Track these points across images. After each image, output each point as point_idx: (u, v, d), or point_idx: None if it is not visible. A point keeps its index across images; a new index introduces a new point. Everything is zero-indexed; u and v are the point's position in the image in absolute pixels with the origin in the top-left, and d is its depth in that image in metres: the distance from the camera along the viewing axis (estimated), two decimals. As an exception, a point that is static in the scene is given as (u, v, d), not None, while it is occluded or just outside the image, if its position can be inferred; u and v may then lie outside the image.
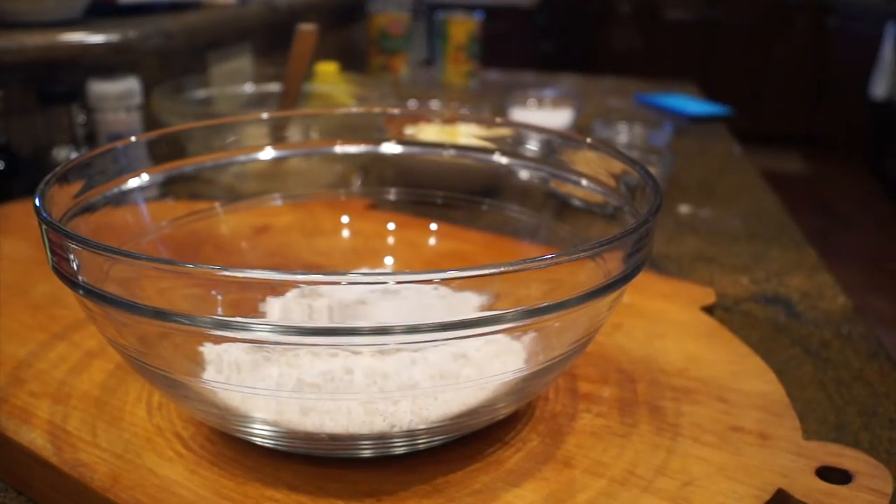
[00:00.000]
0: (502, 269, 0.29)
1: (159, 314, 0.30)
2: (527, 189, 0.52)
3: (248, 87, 0.98)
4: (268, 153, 0.55)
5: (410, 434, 0.35)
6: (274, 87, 0.95)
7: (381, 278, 0.29)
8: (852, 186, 3.22)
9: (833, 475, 0.35)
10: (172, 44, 0.94)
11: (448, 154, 0.55)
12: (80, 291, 0.32)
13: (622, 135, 1.00)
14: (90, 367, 0.44)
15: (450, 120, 0.56)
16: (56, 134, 0.82)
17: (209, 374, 0.35)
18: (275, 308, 0.31)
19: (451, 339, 0.30)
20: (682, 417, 0.40)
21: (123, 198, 0.47)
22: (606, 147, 0.47)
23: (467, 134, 0.55)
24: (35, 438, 0.38)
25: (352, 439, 0.34)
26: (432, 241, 0.57)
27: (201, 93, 0.91)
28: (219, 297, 0.30)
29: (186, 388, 0.34)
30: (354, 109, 0.64)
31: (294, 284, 0.31)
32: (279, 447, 0.36)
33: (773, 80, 3.63)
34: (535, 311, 0.31)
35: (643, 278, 0.51)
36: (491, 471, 0.36)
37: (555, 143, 0.50)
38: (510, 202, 0.53)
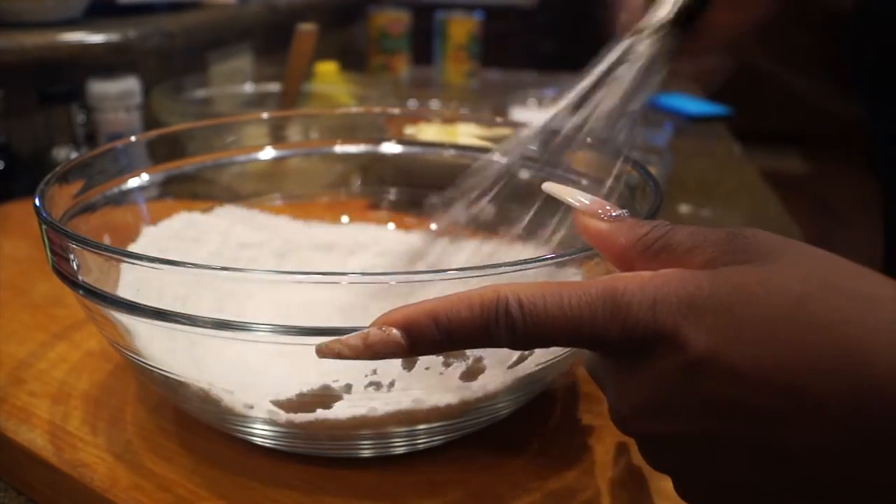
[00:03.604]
0: (502, 268, 0.29)
1: (159, 314, 0.30)
2: (527, 189, 0.52)
3: (248, 87, 0.98)
4: (268, 153, 0.55)
5: (410, 434, 0.35)
6: (274, 87, 0.95)
7: (381, 278, 0.29)
8: (852, 186, 3.22)
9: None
10: (172, 44, 0.94)
11: (448, 154, 0.55)
12: (80, 291, 0.32)
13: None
14: (90, 367, 0.44)
15: (450, 120, 0.56)
16: (56, 134, 0.82)
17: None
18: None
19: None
20: (682, 417, 0.40)
21: (123, 198, 0.47)
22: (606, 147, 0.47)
23: (467, 134, 0.55)
24: (35, 438, 0.38)
25: (350, 439, 0.34)
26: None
27: (201, 93, 0.91)
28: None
29: (186, 387, 0.34)
30: (354, 109, 0.64)
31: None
32: (279, 447, 0.36)
33: (773, 79, 3.62)
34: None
35: (643, 278, 0.51)
36: (491, 471, 0.36)
37: (555, 143, 0.50)
38: (510, 202, 0.53)
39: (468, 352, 0.31)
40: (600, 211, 0.28)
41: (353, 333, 0.25)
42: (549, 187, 0.31)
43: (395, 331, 0.25)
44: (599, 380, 0.28)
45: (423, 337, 0.25)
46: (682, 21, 0.39)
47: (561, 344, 0.25)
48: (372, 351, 0.25)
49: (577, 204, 0.29)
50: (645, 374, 0.24)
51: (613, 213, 0.28)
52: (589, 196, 0.29)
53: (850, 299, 0.22)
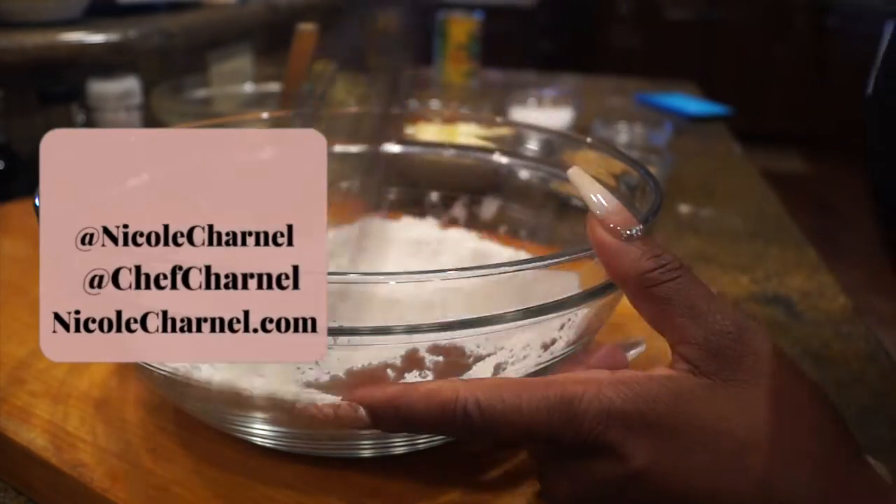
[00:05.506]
0: (502, 268, 0.29)
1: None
2: (527, 189, 0.52)
3: (248, 87, 0.98)
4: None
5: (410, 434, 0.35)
6: (274, 87, 0.95)
7: (381, 278, 0.29)
8: (852, 186, 3.22)
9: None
10: (172, 43, 0.94)
11: (448, 154, 0.55)
12: (80, 291, 0.32)
13: (622, 135, 1.00)
14: (90, 367, 0.44)
15: (450, 120, 0.56)
16: (56, 134, 0.82)
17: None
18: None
19: (449, 339, 0.30)
20: (682, 417, 0.39)
21: (123, 198, 0.47)
22: (606, 147, 0.47)
23: (467, 134, 0.55)
24: (35, 438, 0.38)
25: (351, 439, 0.34)
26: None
27: (201, 93, 0.91)
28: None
29: (186, 387, 0.34)
30: (354, 109, 0.64)
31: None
32: (279, 447, 0.36)
33: (773, 80, 3.63)
34: (534, 310, 0.31)
35: (643, 278, 0.51)
36: (491, 471, 0.36)
37: (555, 142, 0.50)
38: (510, 202, 0.53)
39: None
40: (614, 224, 0.28)
41: (328, 402, 0.29)
42: (575, 175, 0.30)
43: (361, 410, 0.29)
44: (540, 459, 0.30)
45: (384, 420, 0.29)
46: None
47: (515, 441, 0.29)
48: (340, 422, 0.29)
49: (596, 207, 0.28)
50: (587, 471, 0.27)
51: (627, 232, 0.28)
52: (610, 197, 0.29)
53: (783, 453, 0.25)
